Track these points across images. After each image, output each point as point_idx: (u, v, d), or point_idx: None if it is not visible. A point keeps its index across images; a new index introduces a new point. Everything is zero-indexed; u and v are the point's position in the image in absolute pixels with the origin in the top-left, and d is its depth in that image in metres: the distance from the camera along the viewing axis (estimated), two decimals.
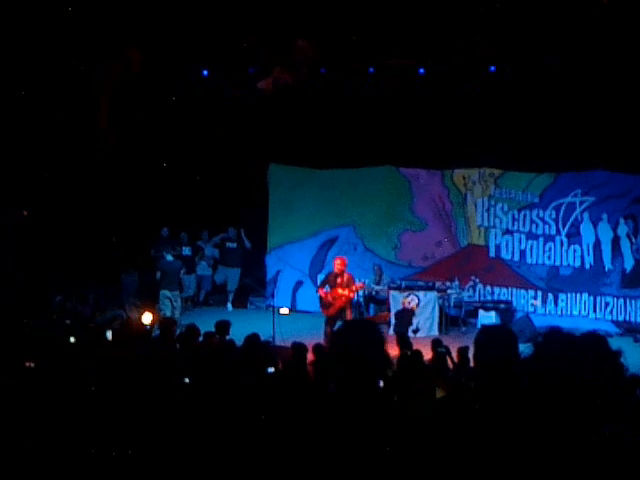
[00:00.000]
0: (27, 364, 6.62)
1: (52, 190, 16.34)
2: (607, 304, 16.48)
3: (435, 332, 15.78)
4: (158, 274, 16.11)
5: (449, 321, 16.57)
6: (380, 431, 3.25)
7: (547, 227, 17.02)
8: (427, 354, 10.06)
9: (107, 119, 15.94)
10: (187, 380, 6.94)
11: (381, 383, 7.63)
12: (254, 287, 19.41)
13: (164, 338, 10.33)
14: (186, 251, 18.13)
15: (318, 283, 16.29)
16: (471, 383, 7.14)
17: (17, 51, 14.13)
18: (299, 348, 8.94)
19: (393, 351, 9.64)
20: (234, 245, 18.57)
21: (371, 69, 16.80)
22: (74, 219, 16.62)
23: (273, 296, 17.40)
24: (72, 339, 8.89)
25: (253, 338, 9.15)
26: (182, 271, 16.90)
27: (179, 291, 16.65)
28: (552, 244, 16.99)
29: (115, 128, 16.46)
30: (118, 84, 15.14)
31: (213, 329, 10.99)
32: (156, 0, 13.68)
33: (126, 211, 17.38)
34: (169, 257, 16.25)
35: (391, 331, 15.41)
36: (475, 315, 16.98)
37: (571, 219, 16.82)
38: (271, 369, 8.05)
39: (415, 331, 15.85)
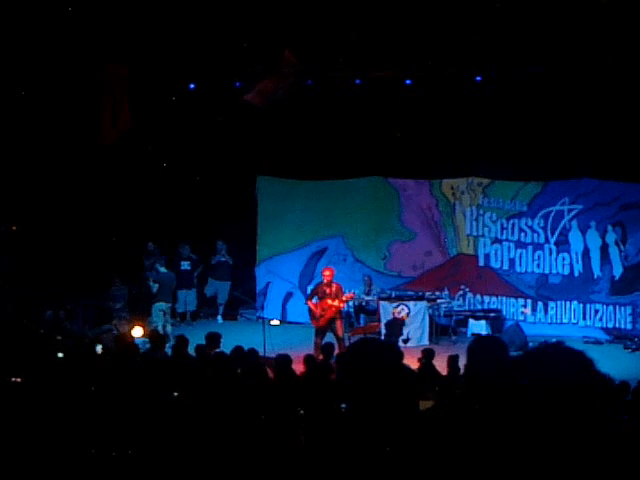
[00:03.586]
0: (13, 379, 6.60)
1: (41, 205, 16.33)
2: (597, 311, 16.52)
3: (426, 342, 15.80)
4: (155, 287, 16.00)
5: (439, 330, 16.60)
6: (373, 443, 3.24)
7: (536, 235, 17.05)
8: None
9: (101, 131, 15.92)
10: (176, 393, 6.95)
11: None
12: (244, 299, 19.37)
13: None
14: (185, 265, 17.98)
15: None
16: (459, 391, 7.15)
17: None
18: (283, 360, 8.98)
19: None
20: (223, 259, 18.51)
21: (358, 80, 16.83)
22: (63, 233, 16.61)
23: (263, 308, 17.43)
24: (60, 355, 8.88)
25: (238, 351, 9.17)
26: (173, 284, 16.81)
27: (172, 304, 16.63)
28: (541, 252, 17.03)
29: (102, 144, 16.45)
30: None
31: (204, 342, 11.01)
32: (141, 15, 13.68)
33: (115, 224, 17.37)
34: (162, 269, 16.20)
35: None
36: (465, 324, 17.03)
37: (559, 227, 16.86)
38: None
39: (405, 341, 15.87)
